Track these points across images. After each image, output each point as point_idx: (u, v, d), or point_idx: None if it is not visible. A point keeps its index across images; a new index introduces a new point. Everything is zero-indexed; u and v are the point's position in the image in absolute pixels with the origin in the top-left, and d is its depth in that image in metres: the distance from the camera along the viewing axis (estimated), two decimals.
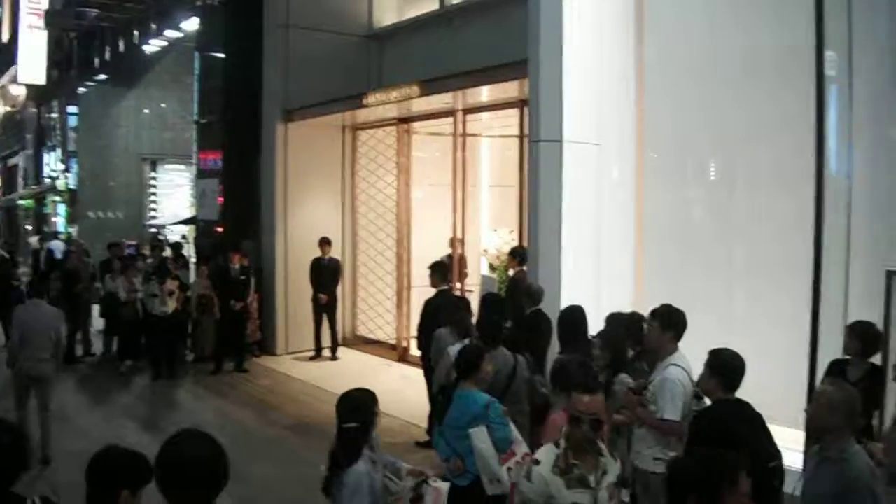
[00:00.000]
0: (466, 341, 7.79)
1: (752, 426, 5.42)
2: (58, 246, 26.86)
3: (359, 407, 5.03)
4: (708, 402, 5.95)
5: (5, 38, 45.57)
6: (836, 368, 6.69)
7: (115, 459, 3.70)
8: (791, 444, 6.22)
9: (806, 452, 5.36)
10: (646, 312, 6.87)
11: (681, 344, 6.40)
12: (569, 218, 9.46)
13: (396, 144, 15.55)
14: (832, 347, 7.27)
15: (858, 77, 8.08)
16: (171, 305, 14.50)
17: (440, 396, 6.89)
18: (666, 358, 6.34)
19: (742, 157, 9.51)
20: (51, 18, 34.61)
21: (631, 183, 10.09)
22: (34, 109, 41.84)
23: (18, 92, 42.79)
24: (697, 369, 5.92)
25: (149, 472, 3.59)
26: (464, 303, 9.69)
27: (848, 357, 6.70)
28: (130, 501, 3.61)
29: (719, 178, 9.76)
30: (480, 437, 6.20)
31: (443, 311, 9.70)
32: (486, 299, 9.59)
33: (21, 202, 45.51)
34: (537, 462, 4.73)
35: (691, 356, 6.28)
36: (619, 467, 4.81)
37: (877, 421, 6.67)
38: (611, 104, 9.88)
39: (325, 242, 15.35)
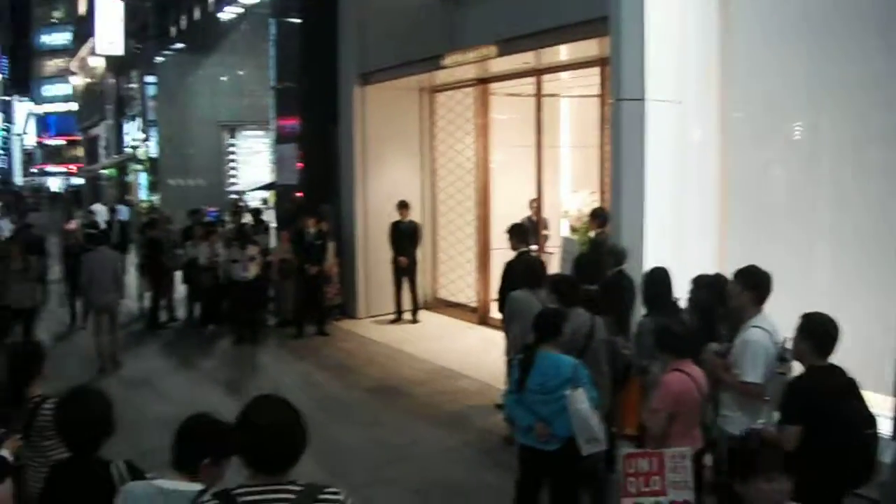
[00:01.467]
0: None
1: (846, 393, 5.31)
2: (122, 210, 28.00)
3: None
4: (795, 364, 5.85)
5: (82, 10, 46.35)
6: None
7: (202, 428, 3.82)
8: (881, 411, 6.10)
9: None
10: (730, 274, 6.76)
11: (767, 307, 6.28)
12: (652, 178, 9.32)
13: (475, 106, 15.48)
14: None
15: None
16: (253, 270, 14.66)
17: (517, 362, 6.80)
18: (749, 320, 6.25)
19: (830, 115, 9.24)
20: None
21: (714, 142, 9.89)
22: (113, 80, 42.61)
23: (97, 63, 43.67)
24: (786, 333, 5.82)
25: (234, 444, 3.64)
26: (538, 263, 9.62)
27: None
28: (213, 470, 3.72)
29: (806, 137, 9.50)
30: (580, 398, 6.20)
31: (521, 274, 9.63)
32: (580, 261, 9.43)
33: (104, 172, 46.45)
34: None
35: (778, 319, 6.16)
36: None
37: None
38: (693, 61, 9.67)
39: (403, 206, 15.37)
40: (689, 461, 5.76)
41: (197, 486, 3.61)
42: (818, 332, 5.39)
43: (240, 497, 3.19)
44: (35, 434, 5.54)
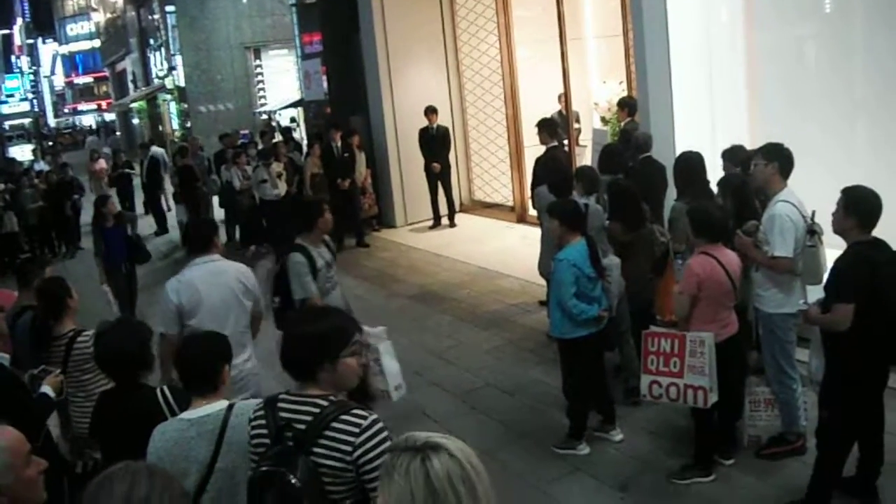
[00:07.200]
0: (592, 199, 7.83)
1: (893, 265, 5.22)
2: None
3: None
4: (826, 238, 5.83)
5: None
6: None
7: (211, 340, 3.99)
8: None
9: None
10: None
11: (798, 184, 6.23)
12: (677, 62, 9.20)
13: (495, 4, 15.27)
14: None
15: None
16: (283, 188, 14.75)
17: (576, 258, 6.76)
18: (774, 195, 6.18)
19: None
20: None
21: (740, 21, 9.70)
22: (134, 13, 42.35)
23: None
24: (820, 212, 5.76)
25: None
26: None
27: None
28: (228, 374, 3.93)
29: (838, 11, 9.25)
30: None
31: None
32: (603, 151, 9.37)
33: (134, 105, 46.52)
34: None
35: (808, 196, 6.11)
36: None
37: None
38: None
39: (430, 111, 15.26)
40: (709, 348, 5.80)
41: (221, 405, 3.75)
42: (862, 206, 5.23)
43: (279, 404, 3.30)
44: (73, 368, 5.67)
